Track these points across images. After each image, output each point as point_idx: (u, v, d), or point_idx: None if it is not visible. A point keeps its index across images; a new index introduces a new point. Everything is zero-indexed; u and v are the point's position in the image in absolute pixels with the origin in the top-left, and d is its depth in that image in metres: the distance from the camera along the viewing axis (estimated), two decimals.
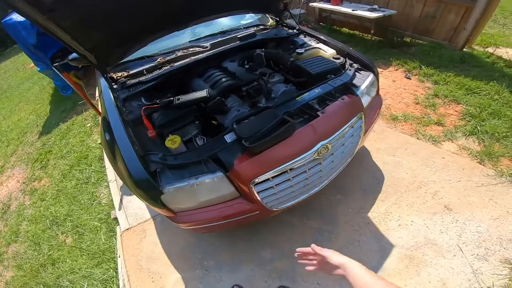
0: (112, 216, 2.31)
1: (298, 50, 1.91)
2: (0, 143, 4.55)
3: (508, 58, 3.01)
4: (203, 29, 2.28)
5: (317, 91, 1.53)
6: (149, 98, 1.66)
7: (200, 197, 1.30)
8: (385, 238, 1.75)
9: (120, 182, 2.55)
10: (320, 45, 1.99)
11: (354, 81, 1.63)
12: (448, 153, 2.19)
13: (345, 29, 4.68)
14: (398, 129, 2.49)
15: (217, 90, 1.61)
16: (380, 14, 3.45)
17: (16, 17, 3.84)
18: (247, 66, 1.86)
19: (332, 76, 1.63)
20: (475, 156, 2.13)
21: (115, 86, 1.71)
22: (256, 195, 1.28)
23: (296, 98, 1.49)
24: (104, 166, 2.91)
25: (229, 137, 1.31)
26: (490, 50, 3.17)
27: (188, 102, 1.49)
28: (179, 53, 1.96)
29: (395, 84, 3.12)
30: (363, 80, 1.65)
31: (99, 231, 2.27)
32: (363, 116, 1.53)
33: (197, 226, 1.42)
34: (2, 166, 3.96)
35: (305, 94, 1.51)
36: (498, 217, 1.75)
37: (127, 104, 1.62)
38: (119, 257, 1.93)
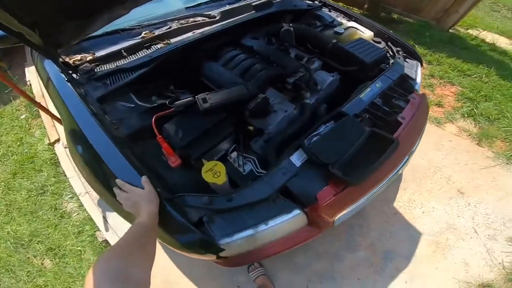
0: (100, 239, 1.80)
1: (337, 30, 1.48)
2: None
3: (491, 42, 3.12)
4: None
5: (378, 85, 1.21)
6: (141, 96, 1.10)
7: (264, 240, 0.93)
8: (412, 227, 1.77)
9: (94, 195, 1.96)
10: (354, 24, 1.58)
11: (407, 73, 1.34)
12: (452, 135, 2.23)
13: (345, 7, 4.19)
14: None
15: (255, 83, 1.13)
16: None
17: None
18: (279, 47, 1.36)
19: (386, 65, 1.30)
20: (474, 138, 2.22)
21: (75, 77, 1.08)
22: (335, 222, 0.99)
23: (360, 96, 1.13)
24: (63, 173, 2.18)
25: (297, 159, 0.92)
26: (471, 32, 3.22)
27: (223, 104, 0.99)
28: (174, 25, 1.34)
29: None
30: (414, 71, 1.38)
31: (82, 254, 1.79)
32: None
33: (250, 262, 1.07)
34: None
35: (367, 89, 1.15)
36: (500, 198, 1.89)
37: (107, 108, 1.02)
38: None
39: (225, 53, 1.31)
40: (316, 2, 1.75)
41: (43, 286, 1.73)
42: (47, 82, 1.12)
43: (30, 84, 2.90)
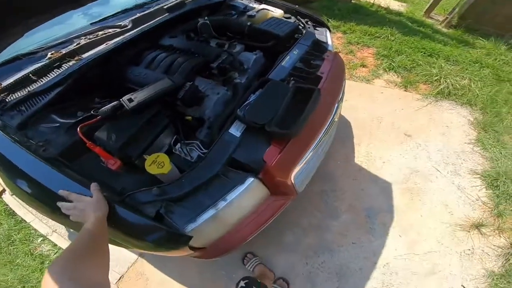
0: None
1: (250, 13, 1.59)
2: None
3: (386, 6, 3.60)
4: (102, 9, 1.59)
5: (295, 52, 1.32)
6: (65, 114, 1.05)
7: (231, 219, 0.93)
8: (380, 178, 1.87)
9: (63, 232, 1.93)
10: (265, 6, 1.72)
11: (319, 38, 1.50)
12: (382, 88, 2.50)
13: None
14: None
15: (180, 75, 1.14)
16: None
17: None
18: (199, 39, 1.40)
19: (299, 35, 1.45)
20: (400, 86, 2.52)
21: None
22: (294, 183, 1.03)
23: (282, 63, 1.22)
24: (22, 220, 2.07)
25: (236, 130, 0.95)
26: (369, 0, 3.67)
27: (150, 99, 0.98)
28: (83, 41, 1.30)
29: None
30: (325, 36, 1.55)
31: None
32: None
33: (233, 250, 1.06)
34: None
35: (286, 58, 1.26)
36: (443, 133, 2.11)
37: (29, 133, 0.97)
38: None
39: (146, 55, 1.30)
40: None
41: None
42: None
43: None
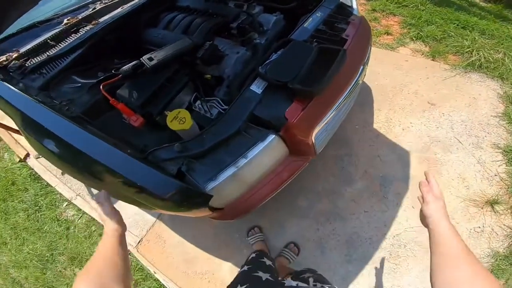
0: None
1: None
2: None
3: None
4: None
5: (318, 14, 1.27)
6: (86, 75, 1.11)
7: (250, 178, 0.95)
8: (398, 146, 1.83)
9: (87, 196, 2.05)
10: None
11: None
12: (408, 56, 2.37)
13: None
14: None
15: (199, 35, 1.14)
16: None
17: None
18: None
19: None
20: (427, 55, 2.37)
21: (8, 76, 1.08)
22: (314, 143, 1.04)
23: (304, 25, 1.17)
24: (48, 185, 2.22)
25: (257, 87, 0.95)
26: None
27: (169, 58, 0.99)
28: (98, 6, 1.31)
29: None
30: (350, 0, 1.46)
31: None
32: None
33: (248, 212, 1.10)
34: None
35: (309, 20, 1.21)
36: (469, 104, 2.00)
37: (52, 94, 1.03)
38: (155, 273, 1.62)
39: (163, 17, 1.29)
40: None
41: None
42: None
43: None
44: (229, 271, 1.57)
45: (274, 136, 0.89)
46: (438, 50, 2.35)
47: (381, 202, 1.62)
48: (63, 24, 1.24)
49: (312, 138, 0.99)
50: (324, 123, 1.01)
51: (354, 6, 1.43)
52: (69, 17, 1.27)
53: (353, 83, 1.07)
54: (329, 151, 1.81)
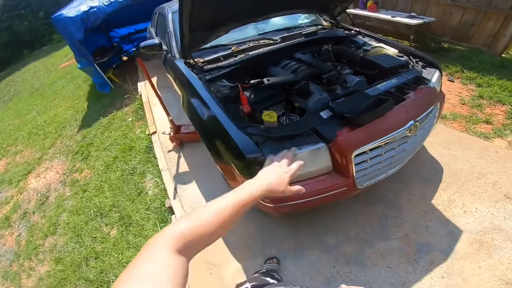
0: (167, 205, 2.39)
1: (365, 47, 2.10)
2: (36, 137, 4.75)
3: None
4: (265, 26, 2.55)
5: (393, 81, 1.70)
6: (230, 81, 1.90)
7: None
8: (452, 224, 1.84)
9: (173, 171, 2.69)
10: (382, 44, 2.19)
11: (424, 75, 1.80)
12: (500, 148, 2.34)
13: (379, 35, 4.90)
14: (448, 126, 2.64)
15: (301, 75, 1.80)
16: (420, 21, 3.71)
17: (66, 12, 4.09)
18: (320, 59, 2.06)
19: (403, 70, 1.81)
20: None
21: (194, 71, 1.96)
22: (353, 167, 1.43)
23: (377, 86, 1.65)
24: (153, 156, 3.03)
25: (324, 114, 1.48)
26: None
27: (278, 83, 1.68)
28: (251, 44, 2.19)
29: None
30: (431, 75, 1.82)
31: (146, 223, 2.32)
32: (438, 104, 1.69)
33: (284, 203, 1.53)
34: (40, 158, 4.12)
35: (383, 83, 1.67)
36: None
37: (211, 85, 1.84)
38: None
39: (283, 61, 2.07)
40: (353, 31, 2.44)
41: (99, 252, 2.23)
42: (176, 73, 2.06)
43: (141, 95, 4.28)
44: (234, 272, 1.76)
45: (323, 144, 1.39)
46: None
47: (409, 264, 1.65)
48: (230, 49, 2.16)
49: (352, 158, 1.41)
50: (363, 150, 1.41)
51: (433, 80, 1.76)
52: (235, 46, 2.20)
53: (398, 131, 1.43)
54: (376, 208, 1.97)
